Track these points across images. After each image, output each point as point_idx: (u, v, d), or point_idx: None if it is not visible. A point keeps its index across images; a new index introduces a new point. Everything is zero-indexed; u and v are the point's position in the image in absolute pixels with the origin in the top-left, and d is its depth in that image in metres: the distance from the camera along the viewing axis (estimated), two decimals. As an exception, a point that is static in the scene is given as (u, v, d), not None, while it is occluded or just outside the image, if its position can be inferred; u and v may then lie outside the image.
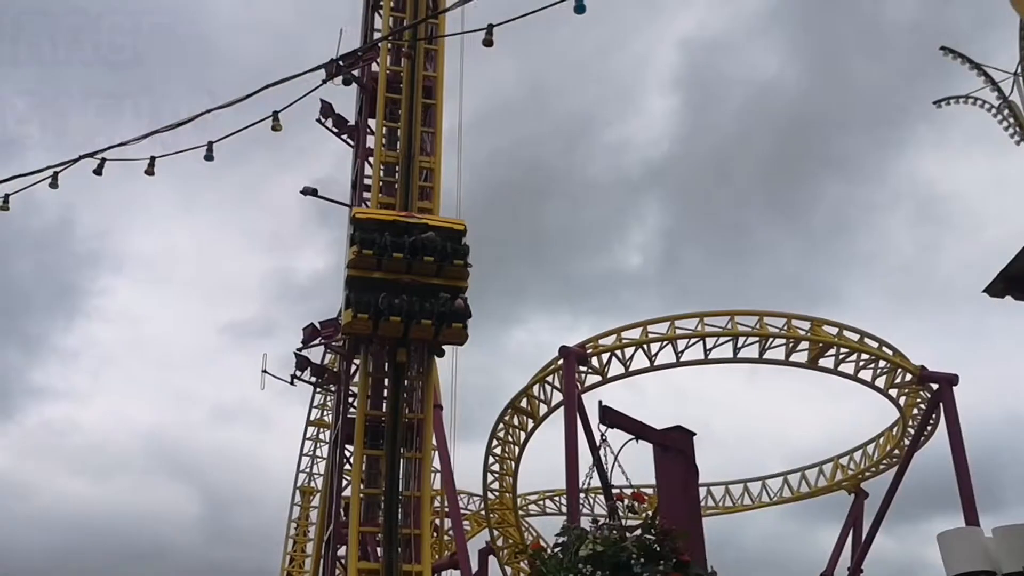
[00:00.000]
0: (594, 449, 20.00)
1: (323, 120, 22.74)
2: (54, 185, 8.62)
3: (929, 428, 24.98)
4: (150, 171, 8.75)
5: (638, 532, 6.92)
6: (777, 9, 55.86)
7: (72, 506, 54.60)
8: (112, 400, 64.30)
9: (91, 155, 8.67)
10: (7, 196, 8.86)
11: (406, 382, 19.91)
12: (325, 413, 34.33)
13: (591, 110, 59.25)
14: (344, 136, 23.18)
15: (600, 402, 17.50)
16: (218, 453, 57.95)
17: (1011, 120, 12.06)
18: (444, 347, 19.93)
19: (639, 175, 60.16)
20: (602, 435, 16.07)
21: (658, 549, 6.78)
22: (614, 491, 13.74)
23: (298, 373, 22.12)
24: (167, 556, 48.47)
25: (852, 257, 56.71)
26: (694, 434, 16.65)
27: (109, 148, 8.59)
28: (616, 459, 14.38)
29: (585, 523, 8.16)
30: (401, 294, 18.61)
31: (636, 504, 7.48)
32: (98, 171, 8.59)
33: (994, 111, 12.25)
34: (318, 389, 27.83)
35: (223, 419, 63.04)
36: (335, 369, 23.30)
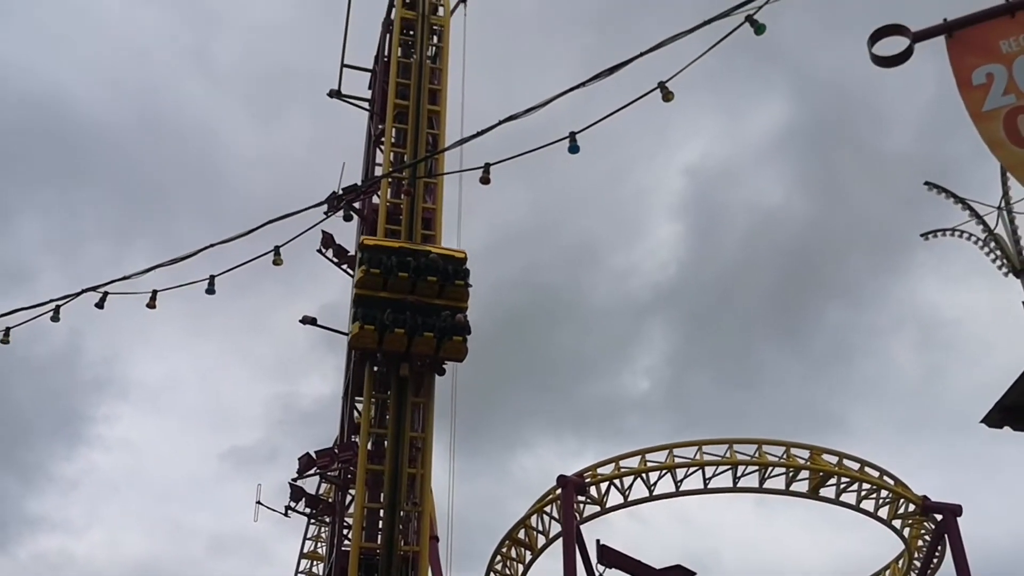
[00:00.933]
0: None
1: (324, 251, 23.12)
2: (56, 319, 8.74)
3: (935, 560, 24.44)
4: (152, 304, 8.90)
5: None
6: (781, 139, 57.62)
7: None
8: (108, 531, 62.97)
9: (94, 289, 8.84)
10: (8, 329, 8.98)
11: (402, 513, 19.59)
12: (319, 545, 33.55)
13: (598, 236, 60.46)
14: (344, 266, 23.51)
15: (598, 541, 17.21)
16: None
17: (998, 253, 12.38)
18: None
19: (646, 300, 60.85)
20: (600, 575, 15.73)
21: None
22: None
23: (292, 504, 21.76)
24: None
25: (857, 383, 56.80)
26: (694, 573, 16.31)
27: (112, 282, 8.77)
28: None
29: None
30: (405, 311, 19.67)
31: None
32: (100, 304, 8.74)
33: (980, 243, 12.61)
34: (312, 521, 27.31)
35: (221, 551, 61.54)
36: (330, 500, 22.94)
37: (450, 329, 19.87)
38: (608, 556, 16.48)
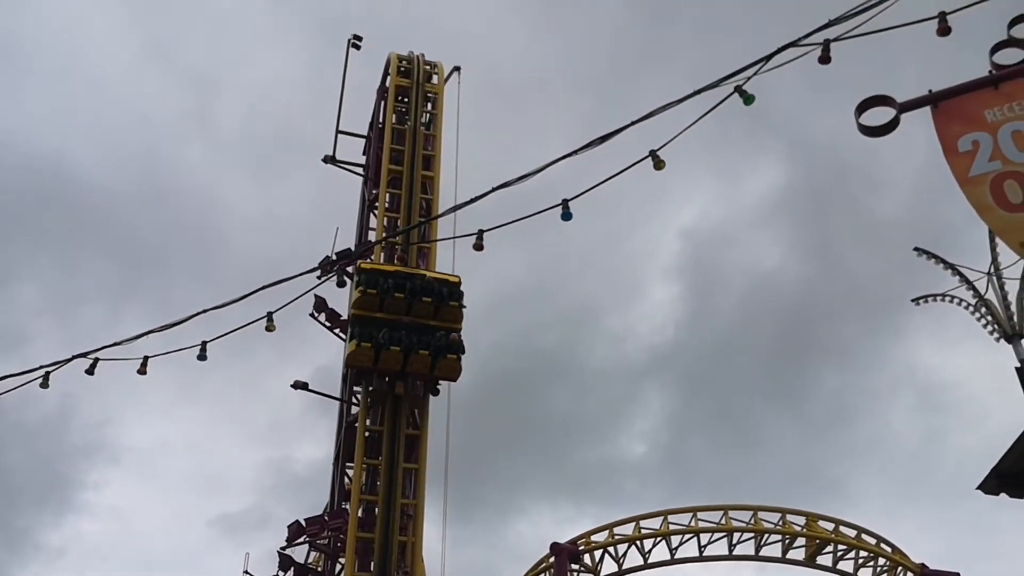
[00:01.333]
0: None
1: (316, 315, 23.11)
2: (45, 385, 8.68)
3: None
4: (143, 370, 8.84)
5: None
6: (777, 202, 58.13)
7: None
8: None
9: (84, 355, 8.79)
10: (-5, 396, 8.90)
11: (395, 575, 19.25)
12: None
13: (595, 299, 60.56)
14: (337, 330, 23.47)
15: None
16: None
17: (989, 318, 12.43)
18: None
19: (642, 363, 60.76)
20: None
21: None
22: None
23: (281, 573, 21.35)
24: None
25: (855, 446, 56.53)
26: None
27: (103, 348, 8.73)
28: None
29: None
30: (401, 331, 20.06)
31: None
32: (90, 371, 8.68)
33: (971, 309, 12.66)
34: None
35: None
36: (319, 569, 22.53)
37: (445, 348, 20.18)
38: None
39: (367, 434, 20.78)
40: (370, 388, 20.89)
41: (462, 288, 20.77)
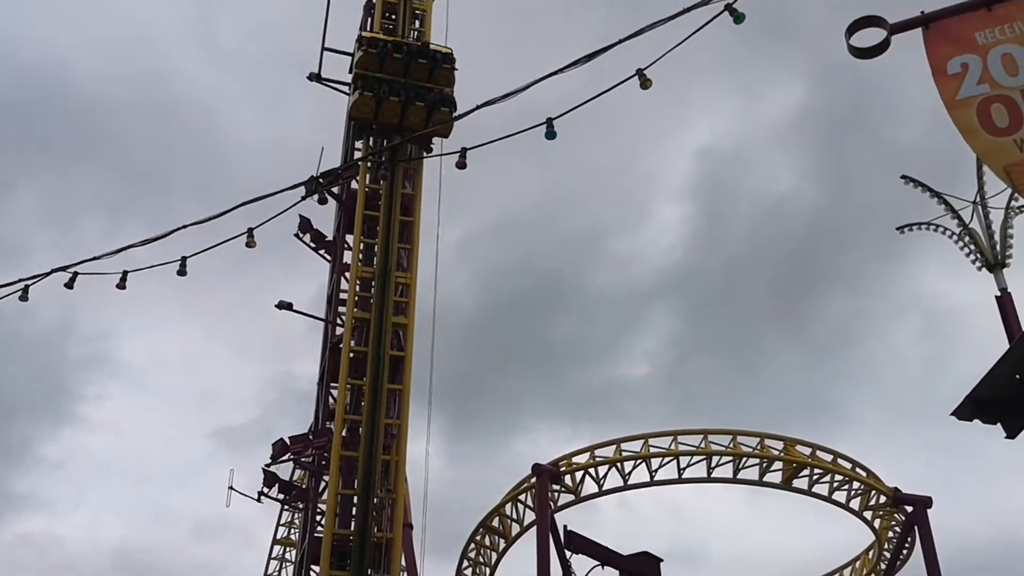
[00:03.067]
0: (566, 570, 19.61)
1: (301, 235, 23.02)
2: (24, 298, 8.62)
3: (905, 551, 24.68)
4: (122, 285, 8.79)
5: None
6: (795, 123, 57.24)
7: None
8: (93, 513, 62.35)
9: (63, 269, 8.72)
10: (-24, 308, 8.85)
11: (376, 500, 19.54)
12: (292, 532, 33.45)
13: (604, 221, 60.14)
14: (322, 251, 23.40)
15: (565, 527, 17.24)
16: (199, 572, 55.86)
17: (972, 247, 12.47)
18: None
19: (649, 286, 60.55)
20: (566, 561, 15.77)
21: None
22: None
23: (265, 490, 21.68)
24: None
25: (857, 371, 56.81)
26: (660, 560, 16.38)
27: (82, 262, 8.65)
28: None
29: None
30: (399, 87, 21.83)
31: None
32: (69, 285, 8.62)
33: (955, 238, 12.68)
34: (286, 507, 27.21)
35: (205, 535, 61.06)
36: (303, 486, 22.87)
37: (439, 101, 21.57)
38: (575, 541, 16.56)
39: (351, 355, 20.90)
40: (371, 142, 22.58)
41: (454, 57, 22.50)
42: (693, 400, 56.39)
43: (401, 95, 21.60)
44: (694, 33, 7.84)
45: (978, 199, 12.35)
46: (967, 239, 12.47)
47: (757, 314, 58.07)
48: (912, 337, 57.55)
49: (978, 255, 12.39)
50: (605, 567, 15.68)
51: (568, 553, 16.05)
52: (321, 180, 17.51)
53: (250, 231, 8.80)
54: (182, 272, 8.78)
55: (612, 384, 58.76)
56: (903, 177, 13.23)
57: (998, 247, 12.07)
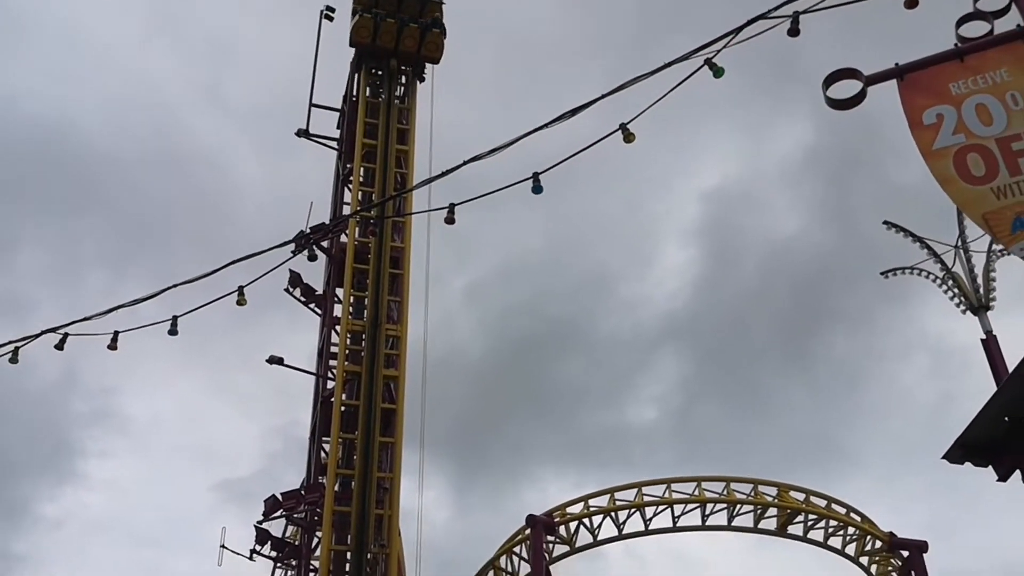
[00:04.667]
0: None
1: (291, 290, 23.10)
2: (14, 360, 8.63)
3: (903, 596, 24.52)
4: (113, 346, 8.81)
5: None
6: (802, 164, 57.37)
7: None
8: (91, 572, 61.16)
9: (53, 330, 8.74)
10: (-35, 371, 8.85)
11: (369, 555, 19.32)
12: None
13: (611, 264, 60.11)
14: (312, 305, 23.45)
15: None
16: None
17: (956, 290, 12.62)
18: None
19: (656, 330, 60.33)
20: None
21: None
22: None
23: (258, 547, 21.43)
24: None
25: (865, 412, 56.48)
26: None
27: (72, 323, 8.68)
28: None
29: None
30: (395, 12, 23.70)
31: None
32: (60, 346, 8.64)
33: (939, 282, 12.84)
34: (279, 564, 26.86)
35: None
36: (296, 543, 22.62)
37: (431, 24, 23.70)
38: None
39: (343, 408, 20.84)
40: (373, 70, 24.14)
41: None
42: (701, 444, 56.02)
43: (396, 19, 23.45)
44: (673, 89, 7.98)
45: (959, 243, 12.52)
46: (951, 283, 12.62)
47: (764, 356, 58.00)
48: (919, 376, 57.29)
49: (962, 298, 12.52)
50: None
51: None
52: (311, 235, 17.63)
53: (240, 289, 8.85)
54: (173, 331, 8.80)
55: (620, 429, 58.43)
56: (885, 223, 13.41)
57: (981, 290, 12.22)
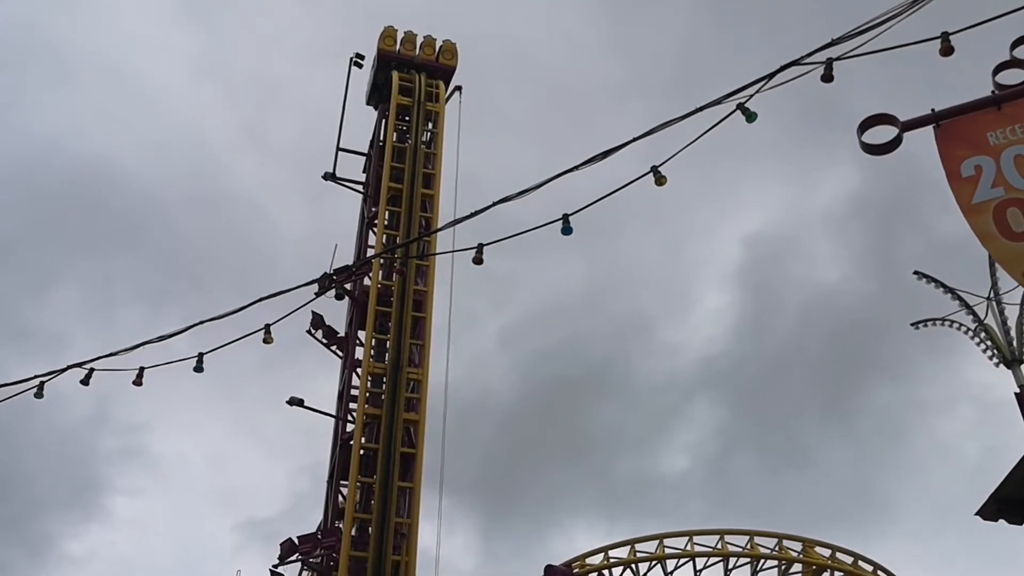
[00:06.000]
0: None
1: (313, 331, 23.09)
2: (39, 395, 8.60)
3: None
4: (138, 382, 8.77)
5: None
6: (845, 212, 57.00)
7: None
8: None
9: (79, 365, 8.71)
10: (-10, 405, 8.82)
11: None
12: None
13: (649, 308, 59.68)
14: (334, 348, 23.42)
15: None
16: None
17: (988, 343, 12.38)
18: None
19: (693, 376, 59.70)
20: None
21: None
22: None
23: (273, 591, 21.16)
24: None
25: (907, 465, 55.34)
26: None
27: (98, 359, 8.65)
28: None
29: None
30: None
31: None
32: (85, 381, 8.60)
33: (970, 333, 12.62)
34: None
35: None
36: (311, 587, 22.34)
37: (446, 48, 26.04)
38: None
39: (361, 452, 20.69)
40: (401, 116, 24.87)
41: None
42: (734, 495, 54.98)
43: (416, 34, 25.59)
44: (705, 133, 7.95)
45: (992, 295, 12.34)
46: (983, 335, 12.42)
47: (803, 406, 57.08)
48: (963, 429, 56.10)
49: (995, 351, 12.31)
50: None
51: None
52: (335, 277, 17.67)
53: (267, 327, 8.82)
54: (199, 368, 8.76)
55: (652, 478, 57.52)
56: (915, 273, 13.27)
57: (1015, 343, 12.00)
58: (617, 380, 57.85)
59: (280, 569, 20.89)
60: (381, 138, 25.20)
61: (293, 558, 20.80)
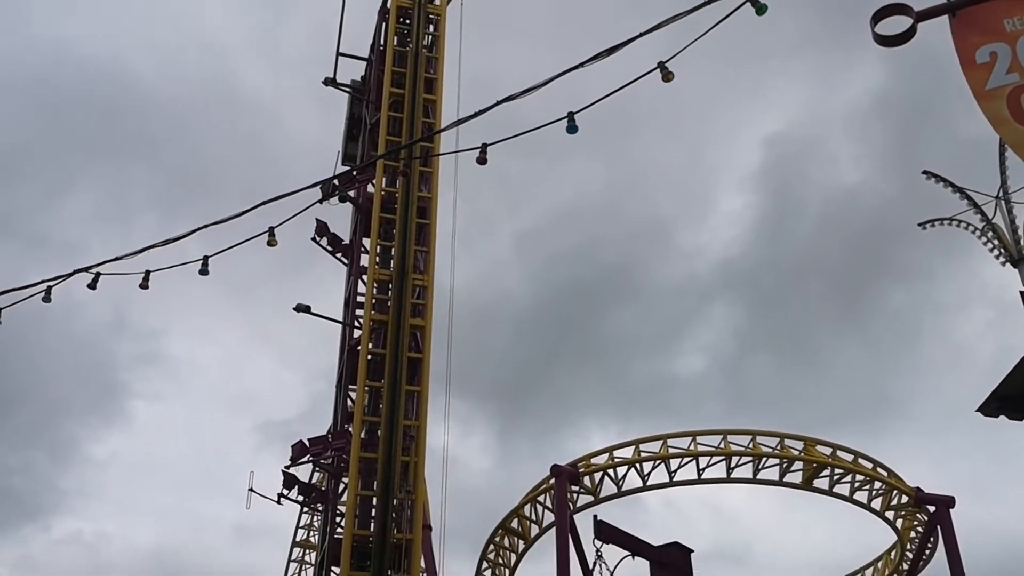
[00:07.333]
0: (586, 571, 19.53)
1: (318, 239, 23.11)
2: (47, 299, 8.65)
3: (928, 552, 24.48)
4: (144, 285, 8.81)
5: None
6: (870, 111, 55.94)
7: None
8: (136, 513, 62.77)
9: (86, 269, 8.74)
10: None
11: (395, 501, 19.49)
12: (311, 534, 33.53)
13: (669, 212, 59.43)
14: (338, 255, 23.46)
15: (595, 516, 17.19)
16: (234, 573, 55.66)
17: (995, 242, 12.31)
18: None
19: (709, 279, 59.72)
20: (597, 551, 15.74)
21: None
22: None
23: (285, 492, 21.69)
24: None
25: (922, 367, 55.68)
26: (691, 551, 16.22)
27: (103, 263, 8.68)
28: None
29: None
30: None
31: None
32: (92, 285, 8.64)
33: (978, 233, 12.53)
34: (305, 509, 27.24)
35: (246, 537, 61.06)
36: (323, 488, 22.89)
37: None
38: (604, 531, 16.41)
39: (369, 357, 20.92)
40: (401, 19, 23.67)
41: None
42: (749, 396, 55.60)
43: None
44: (714, 27, 7.79)
45: (1001, 193, 12.21)
46: (990, 234, 12.34)
47: (820, 308, 57.11)
48: (979, 330, 56.07)
49: (1001, 250, 12.25)
50: (635, 557, 15.58)
51: (597, 544, 16.01)
52: (334, 180, 17.54)
53: (271, 230, 8.82)
54: (204, 271, 8.79)
55: (666, 379, 58.05)
56: (924, 172, 13.13)
57: (1022, 241, 11.92)
58: (634, 284, 57.96)
59: (292, 470, 21.38)
60: (382, 42, 24.73)
61: (304, 459, 21.25)
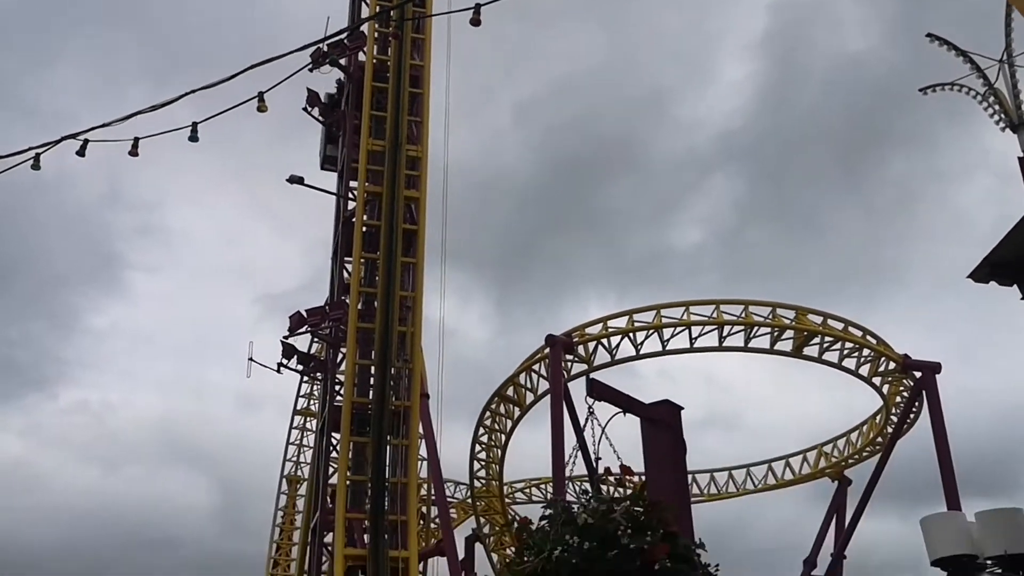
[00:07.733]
0: (579, 433, 20.08)
1: (309, 109, 22.77)
2: (36, 167, 8.55)
3: (913, 416, 25.13)
4: (134, 152, 8.70)
5: (626, 504, 6.93)
6: None
7: (82, 495, 54.38)
8: (138, 383, 63.84)
9: (73, 136, 8.61)
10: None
11: (393, 369, 19.85)
12: (311, 402, 34.29)
13: (668, 83, 57.99)
14: (332, 126, 23.16)
15: (588, 376, 17.58)
16: (237, 441, 57.08)
17: (996, 107, 12.12)
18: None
19: (709, 149, 58.85)
20: (589, 408, 16.16)
21: (646, 520, 6.79)
22: (602, 469, 13.76)
23: (284, 361, 22.06)
24: (179, 546, 48.19)
25: (921, 235, 55.51)
26: (682, 408, 16.60)
27: (91, 129, 8.54)
28: (604, 431, 14.45)
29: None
30: None
31: (624, 478, 7.51)
32: (81, 152, 8.53)
33: (979, 98, 12.32)
34: (304, 378, 27.74)
35: (248, 405, 62.16)
36: (321, 357, 23.26)
37: None
38: (597, 389, 16.86)
39: (364, 229, 20.93)
40: None
41: None
42: (746, 268, 55.64)
43: None
44: None
45: (1005, 56, 11.97)
46: (992, 99, 12.14)
47: (822, 178, 56.45)
48: (980, 197, 55.60)
49: (1002, 115, 12.09)
50: (627, 415, 16.03)
51: (589, 401, 16.44)
52: (322, 41, 17.12)
53: (260, 95, 8.66)
54: (194, 138, 8.67)
55: (664, 250, 57.94)
56: (928, 35, 12.81)
57: (1023, 106, 11.75)
58: (634, 156, 57.30)
59: (290, 340, 21.68)
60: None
61: (302, 330, 21.52)
